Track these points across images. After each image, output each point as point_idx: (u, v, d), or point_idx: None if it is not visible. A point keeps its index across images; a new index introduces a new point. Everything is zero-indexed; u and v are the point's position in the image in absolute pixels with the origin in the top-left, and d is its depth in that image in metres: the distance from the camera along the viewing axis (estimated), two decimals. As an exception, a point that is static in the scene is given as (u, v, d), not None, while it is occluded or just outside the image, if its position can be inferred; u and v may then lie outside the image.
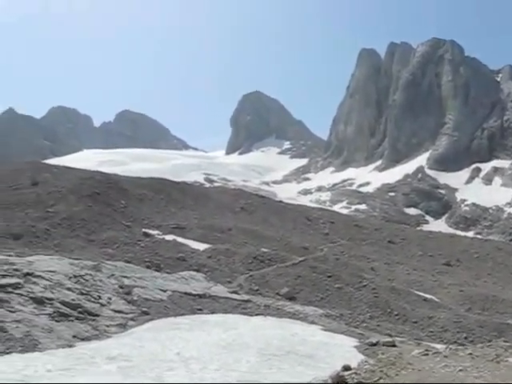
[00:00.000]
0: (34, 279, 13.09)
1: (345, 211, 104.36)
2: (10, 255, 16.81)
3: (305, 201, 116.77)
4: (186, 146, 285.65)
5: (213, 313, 15.17)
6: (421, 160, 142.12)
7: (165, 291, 15.97)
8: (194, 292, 16.96)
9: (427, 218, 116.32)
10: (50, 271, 14.00)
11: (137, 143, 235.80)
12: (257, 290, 23.18)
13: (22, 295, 11.98)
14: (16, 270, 13.39)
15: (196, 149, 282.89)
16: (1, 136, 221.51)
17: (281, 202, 60.79)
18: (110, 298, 13.36)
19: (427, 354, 10.07)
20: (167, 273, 21.23)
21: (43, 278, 13.35)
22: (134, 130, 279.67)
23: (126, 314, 12.65)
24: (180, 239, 30.88)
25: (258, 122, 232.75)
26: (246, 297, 19.10)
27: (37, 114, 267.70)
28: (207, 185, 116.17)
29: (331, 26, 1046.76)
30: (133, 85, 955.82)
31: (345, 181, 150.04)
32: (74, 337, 10.55)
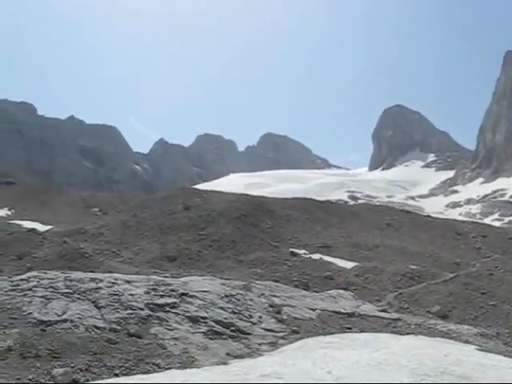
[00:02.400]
0: (189, 299, 13.70)
1: (497, 224, 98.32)
2: (166, 276, 17.78)
3: (454, 214, 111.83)
4: (328, 165, 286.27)
5: (362, 331, 14.90)
6: None
7: (314, 310, 15.97)
8: (342, 310, 16.78)
9: None
10: (204, 291, 14.57)
11: (280, 165, 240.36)
12: (407, 308, 22.43)
13: (178, 314, 12.59)
14: (172, 290, 14.11)
15: (339, 167, 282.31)
16: (155, 165, 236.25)
17: (428, 216, 58.54)
18: (260, 317, 13.61)
19: None
20: (315, 291, 21.23)
21: (197, 297, 13.93)
22: (277, 151, 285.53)
23: (277, 332, 12.81)
24: (327, 258, 30.81)
25: (400, 135, 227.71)
26: (395, 315, 18.56)
27: (185, 143, 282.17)
28: (351, 202, 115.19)
29: (472, 28, 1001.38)
30: (274, 107, 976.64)
31: (496, 192, 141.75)
32: (228, 354, 10.87)
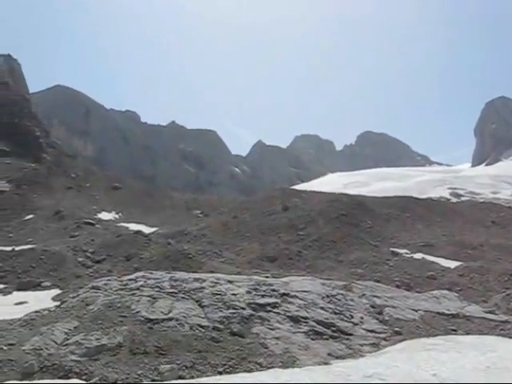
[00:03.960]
0: (290, 299, 13.79)
1: None
2: (267, 276, 18.00)
3: None
4: (429, 162, 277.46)
5: (468, 334, 14.37)
6: None
7: (416, 311, 15.58)
8: (446, 312, 16.24)
9: None
10: (304, 291, 14.61)
11: (379, 163, 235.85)
12: (516, 310, 21.39)
13: (279, 314, 12.71)
14: (273, 290, 14.26)
15: (440, 163, 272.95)
16: (253, 167, 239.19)
17: (539, 213, 55.42)
18: (362, 318, 13.46)
19: None
20: (418, 292, 20.72)
21: (298, 297, 13.99)
22: (376, 149, 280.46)
23: (379, 333, 12.62)
24: (429, 257, 29.95)
25: (504, 129, 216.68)
26: (503, 317, 17.71)
27: (283, 144, 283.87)
28: (454, 200, 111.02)
29: None
30: (372, 105, 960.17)
31: None
32: (329, 355, 10.83)
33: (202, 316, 12.06)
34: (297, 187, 74.65)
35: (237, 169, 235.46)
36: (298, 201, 40.81)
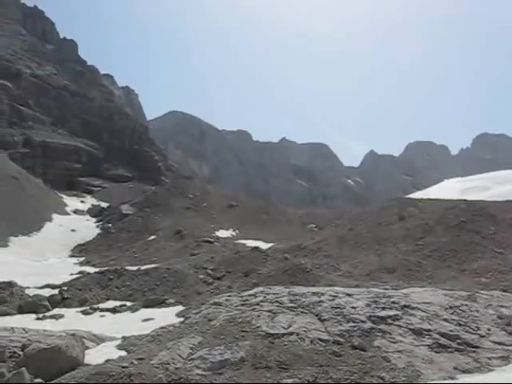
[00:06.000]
0: (411, 311, 13.48)
1: None
2: (386, 288, 17.70)
3: None
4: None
5: None
6: None
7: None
8: None
9: None
10: (425, 303, 14.23)
11: (499, 165, 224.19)
12: None
13: (401, 326, 12.46)
14: (393, 302, 14.01)
15: None
16: (366, 177, 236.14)
17: None
18: (489, 330, 12.88)
19: None
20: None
21: (420, 309, 13.65)
22: (495, 151, 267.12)
23: (508, 346, 12.01)
24: (562, 263, 28.06)
25: None
26: None
27: (395, 152, 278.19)
28: None
29: None
30: (491, 105, 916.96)
31: None
32: (455, 368, 10.47)
33: (322, 330, 12.09)
34: (412, 196, 72.71)
35: (350, 180, 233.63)
36: (414, 210, 39.75)
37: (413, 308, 13.75)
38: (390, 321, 12.79)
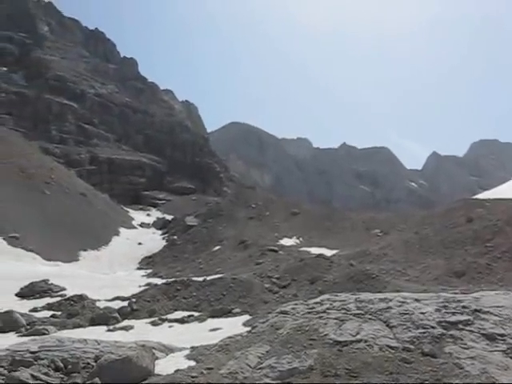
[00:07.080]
0: (483, 315, 13.10)
1: None
2: (455, 293, 17.27)
3: None
4: None
5: None
6: None
7: None
8: None
9: None
10: (498, 306, 13.79)
11: None
12: None
13: (472, 332, 12.12)
14: (464, 306, 13.65)
15: None
16: (430, 179, 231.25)
17: None
18: None
19: None
20: None
21: (492, 313, 13.25)
22: None
23: None
24: None
25: None
26: None
27: (459, 152, 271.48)
28: None
29: None
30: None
31: None
32: (534, 374, 10.10)
33: (391, 337, 11.90)
34: (479, 196, 70.72)
35: (413, 183, 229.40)
36: (481, 211, 38.66)
37: (485, 312, 13.36)
38: (461, 326, 12.47)
